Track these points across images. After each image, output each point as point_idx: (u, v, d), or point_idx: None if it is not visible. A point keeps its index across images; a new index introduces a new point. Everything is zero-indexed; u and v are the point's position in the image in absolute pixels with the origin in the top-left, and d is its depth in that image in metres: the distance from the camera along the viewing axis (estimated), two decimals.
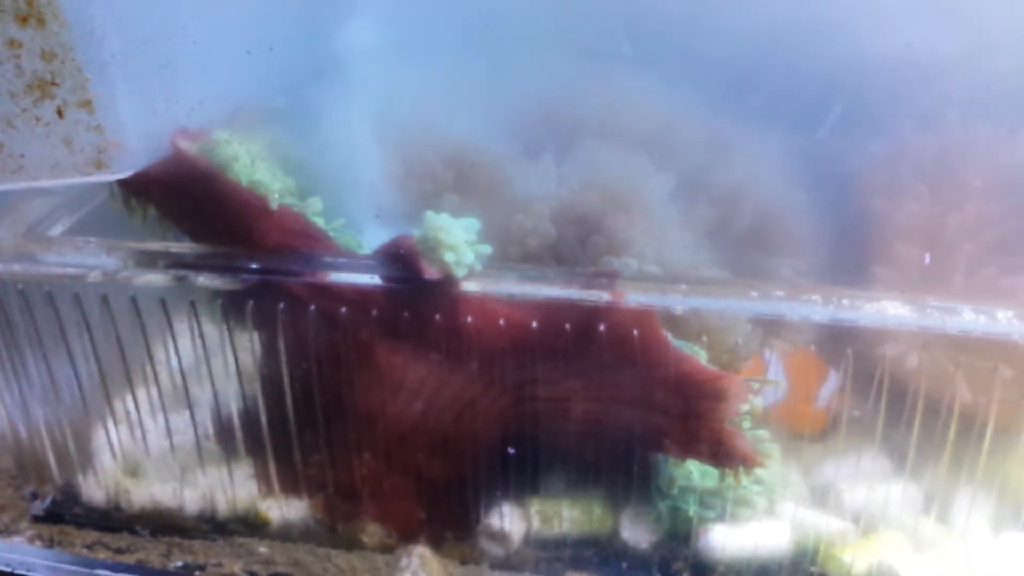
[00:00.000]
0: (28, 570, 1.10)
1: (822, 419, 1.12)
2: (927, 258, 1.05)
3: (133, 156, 0.93)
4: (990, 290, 1.09)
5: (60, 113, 0.89)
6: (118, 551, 1.13)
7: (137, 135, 0.92)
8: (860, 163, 1.23)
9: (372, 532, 1.11)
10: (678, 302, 0.96)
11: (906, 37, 1.19)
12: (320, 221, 1.05)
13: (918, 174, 1.18)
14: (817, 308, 0.95)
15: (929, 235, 1.13)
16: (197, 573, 1.09)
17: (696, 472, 1.05)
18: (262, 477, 1.11)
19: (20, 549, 1.13)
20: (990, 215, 1.13)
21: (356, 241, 1.06)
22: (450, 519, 1.10)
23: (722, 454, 1.00)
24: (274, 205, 1.02)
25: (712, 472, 1.04)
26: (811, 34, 1.21)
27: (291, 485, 1.11)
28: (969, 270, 1.11)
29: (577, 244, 1.14)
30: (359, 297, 1.00)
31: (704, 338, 1.00)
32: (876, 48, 1.19)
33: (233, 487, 1.12)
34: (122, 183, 1.00)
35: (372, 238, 1.06)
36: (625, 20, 1.26)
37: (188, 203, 1.04)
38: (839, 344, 0.96)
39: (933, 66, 1.18)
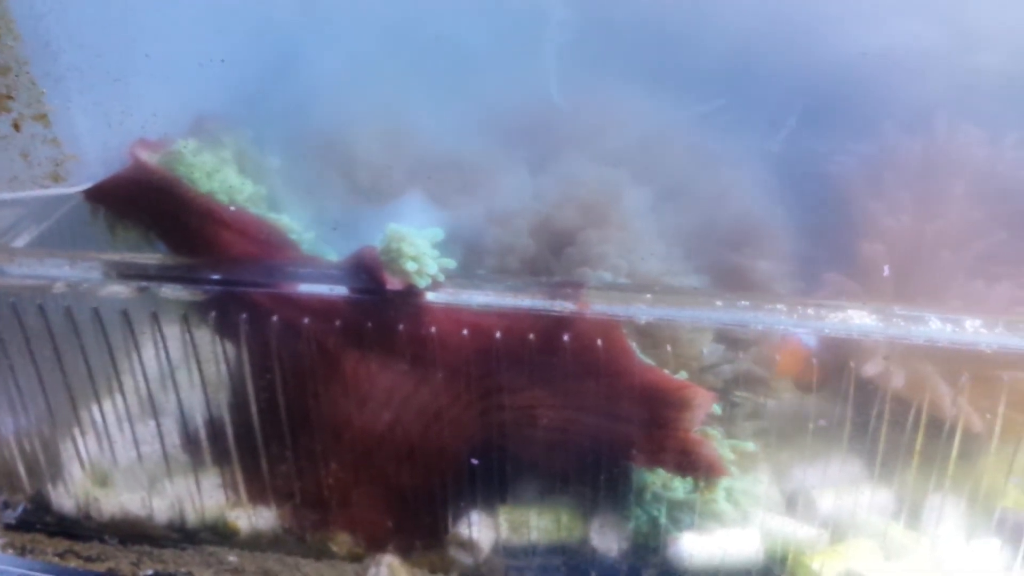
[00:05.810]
0: None
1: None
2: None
3: (91, 168, 0.92)
4: (974, 300, 1.07)
5: (17, 127, 0.88)
6: (88, 559, 1.13)
7: (94, 147, 0.91)
8: (843, 168, 1.22)
9: (341, 541, 1.11)
10: (642, 312, 0.96)
11: (888, 34, 1.18)
12: (291, 233, 1.05)
13: (900, 179, 1.16)
14: (781, 318, 0.94)
15: (911, 243, 1.12)
16: None
17: (666, 481, 1.05)
18: (230, 486, 1.11)
19: None
20: (975, 222, 1.12)
21: (325, 253, 1.05)
22: (419, 528, 1.10)
23: (688, 463, 0.99)
24: (237, 213, 1.01)
25: (683, 480, 1.04)
26: (792, 35, 1.19)
27: (259, 495, 1.10)
28: (950, 279, 1.10)
29: (552, 257, 1.13)
30: (323, 307, 1.00)
31: (669, 348, 0.99)
32: (858, 47, 1.18)
33: (201, 496, 1.11)
34: (85, 195, 1.00)
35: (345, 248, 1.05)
36: (605, 28, 1.24)
37: (152, 214, 1.03)
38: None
39: (917, 65, 1.17)
